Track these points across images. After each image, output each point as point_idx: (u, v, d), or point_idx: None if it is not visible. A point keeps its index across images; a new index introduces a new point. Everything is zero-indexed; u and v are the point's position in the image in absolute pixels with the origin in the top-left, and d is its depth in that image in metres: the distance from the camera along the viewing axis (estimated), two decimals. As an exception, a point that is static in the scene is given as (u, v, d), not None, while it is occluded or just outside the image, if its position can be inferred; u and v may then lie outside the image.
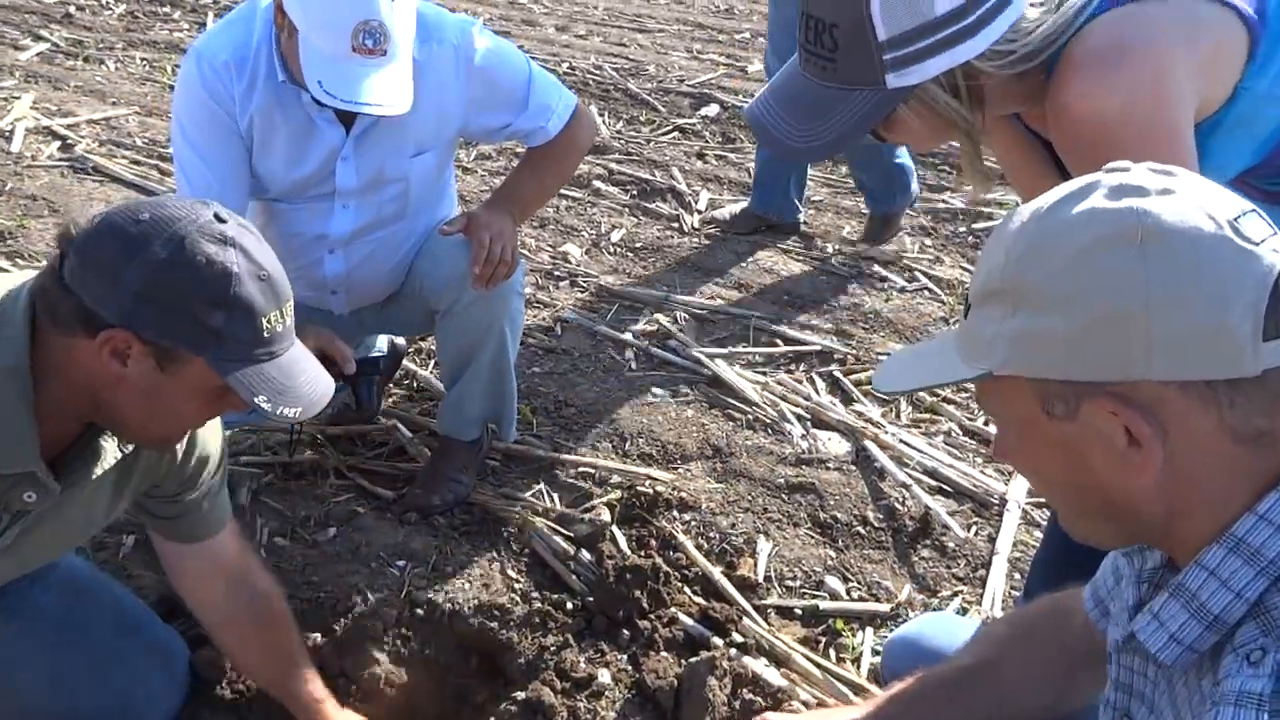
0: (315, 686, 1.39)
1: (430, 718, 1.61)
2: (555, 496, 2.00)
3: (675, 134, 4.10)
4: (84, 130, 3.72)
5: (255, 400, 1.01)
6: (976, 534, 1.98)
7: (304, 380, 1.07)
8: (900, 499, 2.07)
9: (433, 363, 2.40)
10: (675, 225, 3.32)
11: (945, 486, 2.12)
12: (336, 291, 1.80)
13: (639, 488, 2.01)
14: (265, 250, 1.05)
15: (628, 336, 2.59)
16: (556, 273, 2.93)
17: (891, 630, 1.73)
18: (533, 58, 5.47)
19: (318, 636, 1.58)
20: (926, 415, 2.39)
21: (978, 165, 1.03)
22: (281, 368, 1.04)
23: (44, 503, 1.08)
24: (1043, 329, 0.66)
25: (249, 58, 1.52)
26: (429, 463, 1.97)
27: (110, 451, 1.13)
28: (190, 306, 0.97)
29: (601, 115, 4.23)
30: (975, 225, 3.46)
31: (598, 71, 4.93)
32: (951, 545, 1.95)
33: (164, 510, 1.30)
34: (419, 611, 1.67)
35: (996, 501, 2.07)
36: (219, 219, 1.00)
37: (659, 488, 2.02)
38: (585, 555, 1.81)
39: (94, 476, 1.12)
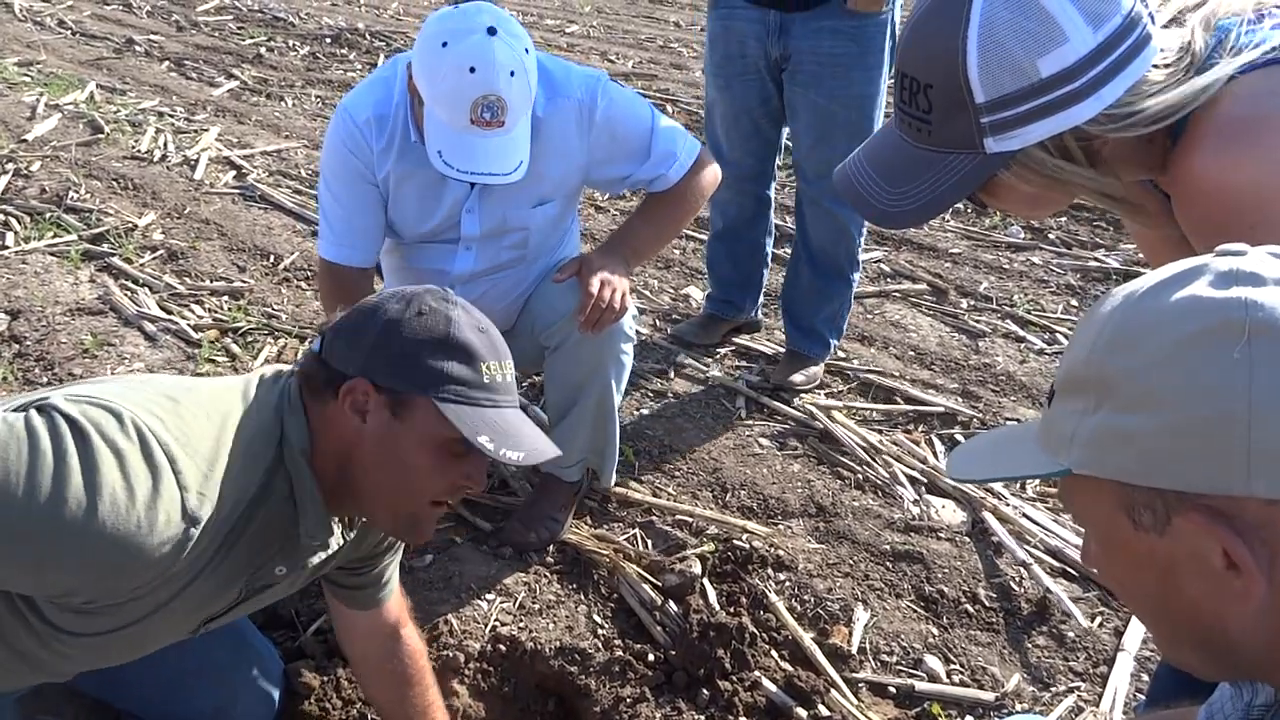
0: None
1: (503, 756, 1.61)
2: (649, 542, 1.98)
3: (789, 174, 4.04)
4: (257, 160, 4.05)
5: (478, 439, 1.03)
6: (1101, 625, 1.81)
7: (527, 432, 1.10)
8: (1016, 578, 1.93)
9: (542, 401, 2.44)
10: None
11: (1069, 569, 1.95)
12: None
13: (735, 541, 1.96)
14: (485, 318, 1.13)
15: (740, 385, 2.55)
16: (675, 315, 2.93)
17: (993, 723, 1.61)
18: (677, 101, 5.54)
19: None
20: (1053, 489, 2.22)
21: (1130, 206, 0.93)
22: (504, 416, 1.08)
23: (286, 575, 1.17)
24: (1127, 428, 0.59)
25: (389, 116, 1.62)
26: (528, 499, 2.00)
27: (337, 535, 1.21)
28: (416, 350, 1.05)
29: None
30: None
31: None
32: (1071, 635, 1.79)
33: (347, 581, 1.38)
34: (501, 647, 1.68)
35: (1127, 592, 1.89)
36: (444, 293, 1.12)
37: (755, 543, 1.96)
38: (672, 607, 1.78)
39: (320, 559, 1.21)
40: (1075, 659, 1.75)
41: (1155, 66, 0.82)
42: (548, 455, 1.12)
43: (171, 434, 0.99)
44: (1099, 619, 1.83)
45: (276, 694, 1.50)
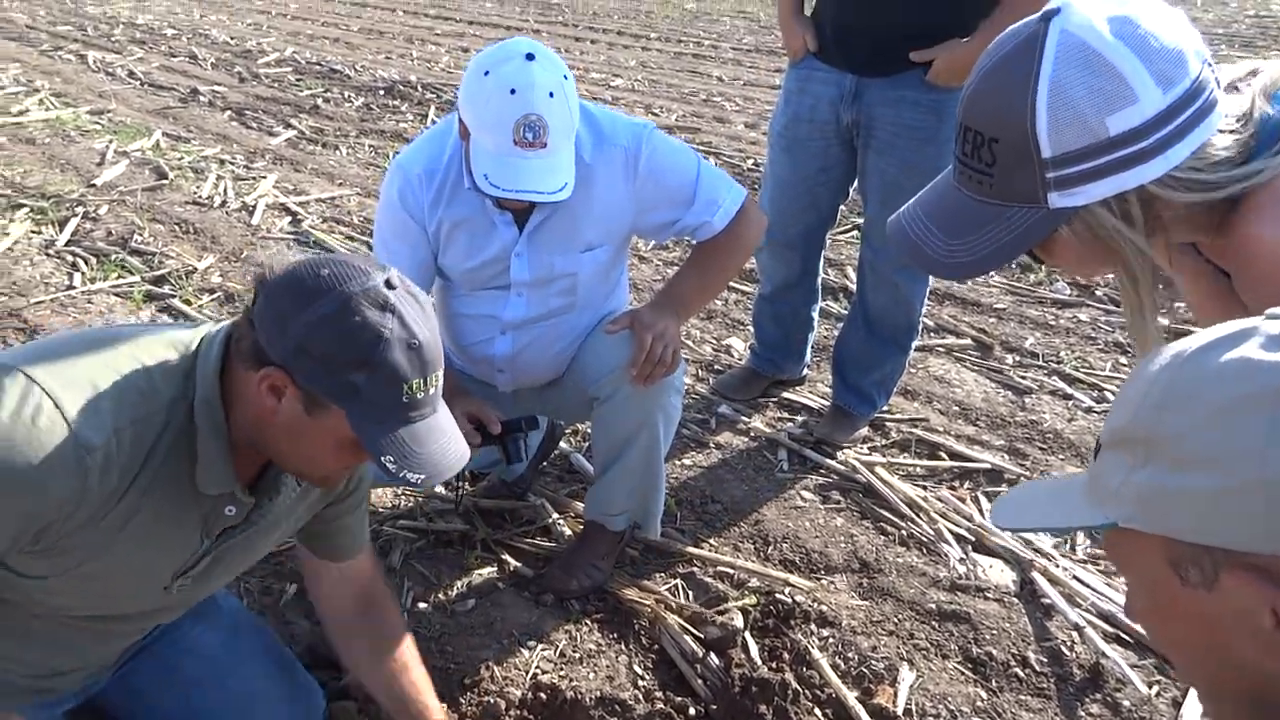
0: (426, 702, 1.42)
1: (541, 807, 1.59)
2: (690, 593, 1.97)
3: (854, 232, 4.06)
4: (312, 207, 4.17)
5: (381, 459, 1.07)
6: (1159, 695, 1.76)
7: (434, 448, 1.10)
8: (1068, 642, 1.88)
9: (587, 445, 2.45)
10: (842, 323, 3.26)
11: (1124, 635, 1.90)
12: (503, 370, 1.89)
13: (777, 594, 1.94)
14: (424, 319, 1.09)
15: (782, 436, 2.54)
16: (717, 366, 2.94)
17: (1045, 793, 1.56)
18: (719, 154, 5.61)
19: (444, 708, 1.61)
20: (1104, 551, 2.17)
21: (1139, 306, 0.94)
22: (415, 434, 1.09)
23: (240, 517, 1.20)
24: (1174, 487, 0.59)
25: (439, 170, 1.68)
26: (571, 546, 2.00)
27: (290, 483, 1.25)
28: (338, 363, 1.03)
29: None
30: (1179, 345, 3.17)
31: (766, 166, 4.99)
32: (1127, 704, 1.74)
33: (316, 528, 1.40)
34: (542, 695, 1.67)
35: (1184, 660, 1.83)
36: (388, 285, 1.06)
37: (798, 597, 1.94)
38: (714, 660, 1.76)
39: (277, 501, 1.24)
40: (1131, 729, 1.69)
41: (1221, 132, 0.83)
42: (452, 471, 1.13)
43: (56, 374, 1.03)
44: (1156, 688, 1.77)
45: None
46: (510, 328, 1.80)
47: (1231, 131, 0.83)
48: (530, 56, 1.48)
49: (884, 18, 2.08)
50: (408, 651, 1.45)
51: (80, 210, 3.90)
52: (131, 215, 3.91)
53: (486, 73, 1.48)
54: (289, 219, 4.01)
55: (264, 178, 4.51)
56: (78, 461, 1.01)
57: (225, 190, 4.31)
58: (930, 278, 2.41)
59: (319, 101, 6.19)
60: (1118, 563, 0.68)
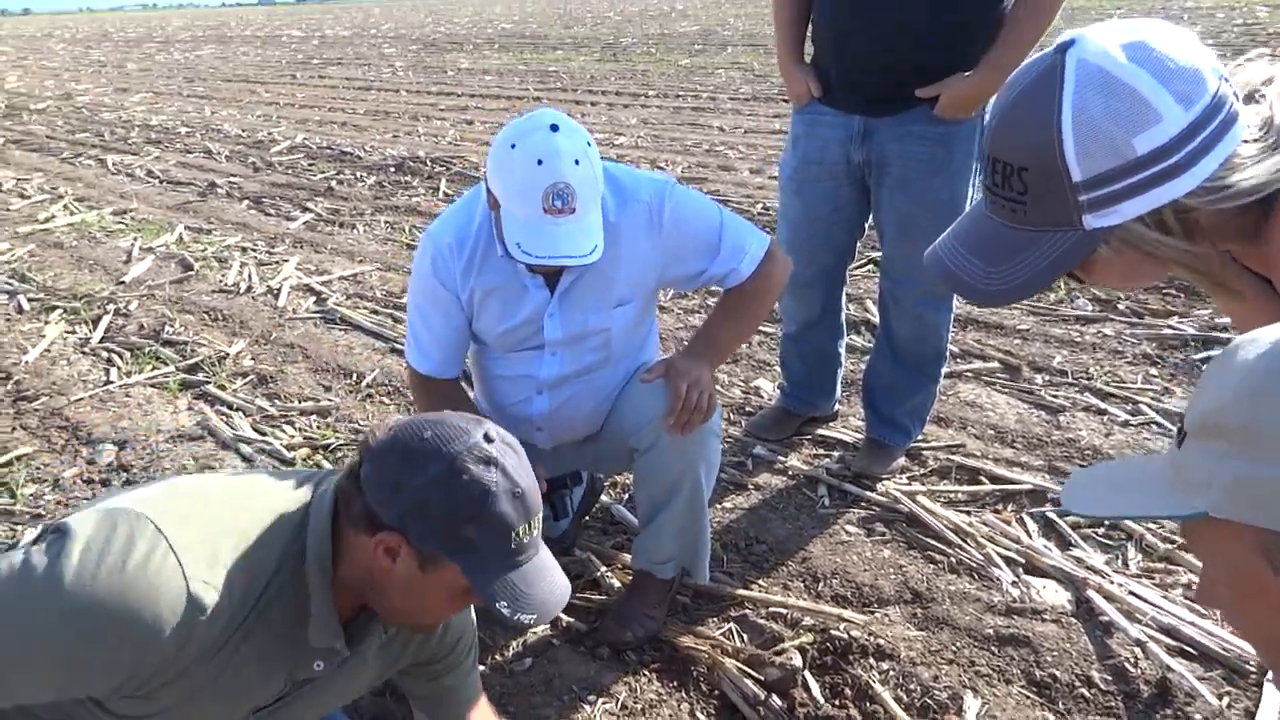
0: None
1: None
2: (745, 636, 1.96)
3: (870, 267, 4.10)
4: (335, 285, 4.26)
5: (497, 606, 1.13)
6: (1230, 706, 1.73)
7: (543, 587, 1.17)
8: (1131, 659, 1.85)
9: (626, 496, 2.47)
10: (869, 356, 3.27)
11: (1188, 648, 1.87)
12: (541, 429, 1.92)
13: (833, 631, 1.93)
14: (523, 466, 1.16)
15: (820, 473, 2.55)
16: (748, 407, 2.96)
17: (1128, 813, 1.53)
18: (728, 201, 5.70)
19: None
20: (1160, 565, 2.15)
21: (1221, 287, 0.96)
22: (525, 576, 1.15)
23: (327, 671, 1.24)
24: (1271, 477, 0.61)
25: (469, 238, 1.73)
26: (622, 598, 2.00)
27: (377, 631, 1.29)
28: (452, 521, 1.10)
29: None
30: (1210, 353, 3.17)
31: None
32: (1199, 717, 1.71)
33: (422, 690, 1.44)
34: (608, 750, 1.66)
35: (1254, 669, 1.81)
36: (487, 439, 1.13)
37: (854, 632, 1.93)
38: (776, 701, 1.75)
39: (364, 651, 1.28)
40: (1207, 742, 1.66)
41: (1245, 141, 0.86)
42: (559, 608, 1.19)
43: (177, 530, 1.07)
44: (1227, 699, 1.74)
45: None
46: (546, 386, 1.84)
47: (1256, 140, 0.86)
48: (554, 127, 1.54)
49: (888, 60, 2.14)
50: None
51: (111, 307, 4.01)
52: (161, 308, 4.01)
53: (513, 145, 1.54)
54: (314, 299, 4.10)
55: (286, 261, 4.62)
56: (189, 620, 1.05)
57: (250, 276, 4.41)
58: (953, 305, 2.43)
59: (332, 184, 6.36)
60: (1200, 552, 0.69)
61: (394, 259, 4.68)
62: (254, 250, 4.87)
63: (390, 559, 1.12)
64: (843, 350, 2.72)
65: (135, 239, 5.10)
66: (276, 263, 4.64)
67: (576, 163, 1.53)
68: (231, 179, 6.66)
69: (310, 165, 7.08)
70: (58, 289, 4.34)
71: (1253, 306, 1.05)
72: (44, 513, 2.49)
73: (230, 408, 3.08)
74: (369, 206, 5.77)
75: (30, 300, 4.17)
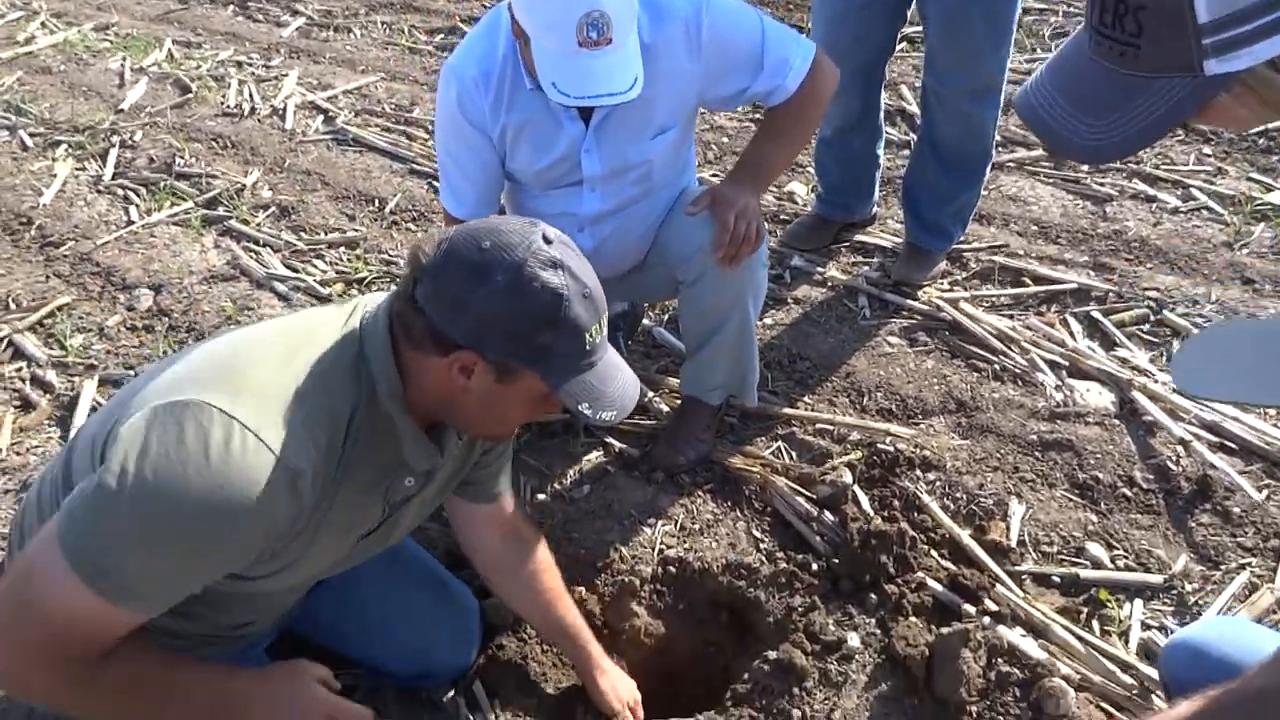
0: (579, 624, 1.55)
1: (686, 668, 1.72)
2: (794, 454, 2.02)
3: (904, 44, 3.83)
4: (341, 101, 4.07)
5: (579, 408, 1.12)
6: (1269, 499, 1.79)
7: (618, 383, 1.16)
8: (1173, 457, 1.91)
9: (666, 317, 2.47)
10: (907, 153, 3.14)
11: (1229, 444, 1.92)
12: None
13: (879, 445, 1.99)
14: (586, 267, 1.12)
15: (860, 282, 2.52)
16: (783, 215, 2.88)
17: (1165, 604, 1.63)
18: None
19: (583, 590, 1.73)
20: (1204, 359, 2.16)
21: None
22: (599, 374, 1.14)
23: (417, 486, 1.28)
24: None
25: (494, 71, 1.60)
26: (672, 422, 2.05)
27: (453, 439, 1.31)
28: (527, 329, 1.06)
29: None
30: (1268, 128, 3.00)
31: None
32: (1238, 511, 1.78)
33: (472, 476, 1.48)
34: (671, 569, 1.77)
35: (1293, 461, 1.85)
36: (546, 240, 1.09)
37: (900, 445, 1.98)
38: (828, 516, 1.83)
39: (444, 462, 1.31)
40: (1244, 534, 1.74)
41: None
42: (634, 403, 1.19)
43: (247, 405, 1.05)
44: (1266, 491, 1.80)
45: (477, 631, 1.62)
46: (588, 223, 1.78)
47: None
48: None
49: None
50: (555, 580, 1.54)
51: (116, 139, 3.87)
52: (167, 137, 3.87)
53: None
54: (322, 118, 3.93)
55: (285, 76, 4.39)
56: (291, 487, 1.06)
57: (251, 95, 4.21)
58: (1001, 98, 2.29)
59: (320, -21, 5.90)
60: None
61: (398, 66, 4.43)
62: (250, 65, 4.61)
63: (465, 376, 1.10)
64: (880, 151, 2.61)
65: (124, 59, 4.83)
66: (275, 78, 4.41)
67: None
68: (210, -19, 6.19)
69: (292, -41, 6.54)
70: (57, 121, 4.17)
71: None
72: (96, 363, 2.54)
73: (257, 243, 3.05)
74: (362, 5, 5.38)
75: (32, 135, 4.03)
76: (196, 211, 3.26)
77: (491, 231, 1.08)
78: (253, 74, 4.49)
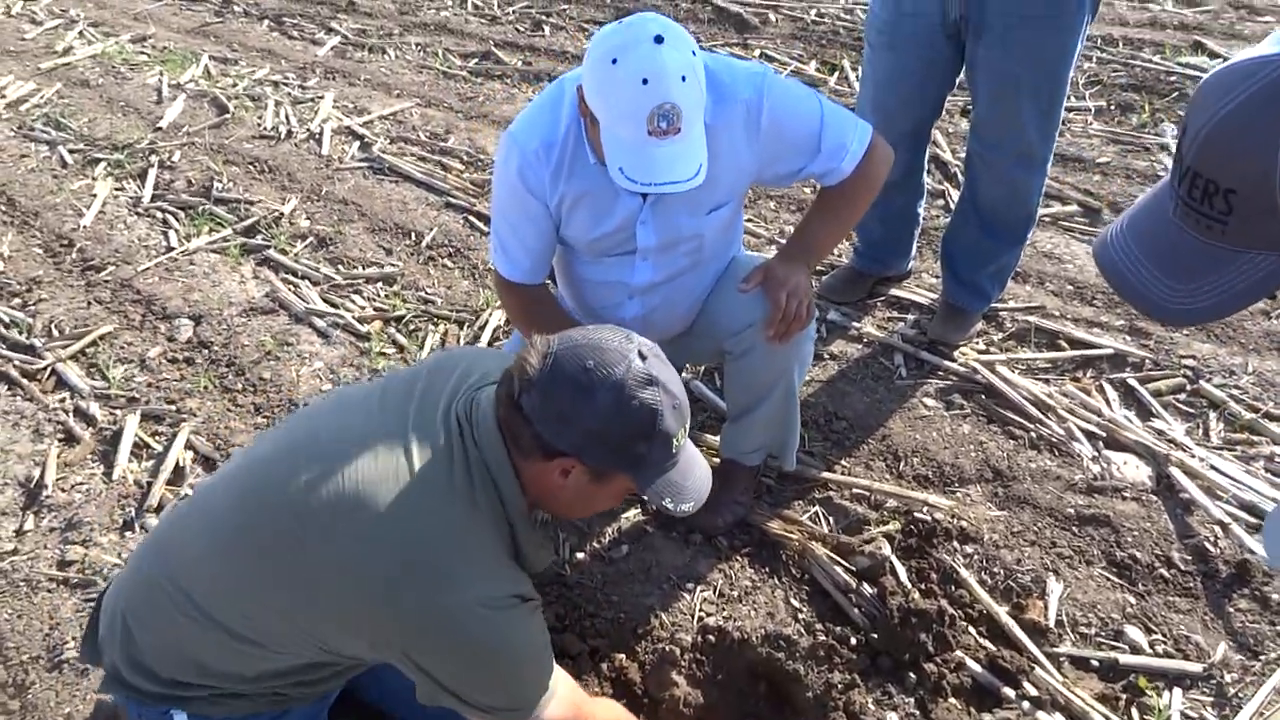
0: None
1: (724, 738, 1.74)
2: (831, 520, 2.04)
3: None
4: (377, 128, 4.11)
5: (663, 503, 1.26)
6: (1307, 587, 1.80)
7: (695, 477, 1.30)
8: (1212, 537, 1.91)
9: (701, 369, 2.49)
10: (941, 203, 3.15)
11: (1267, 526, 1.92)
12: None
13: (916, 514, 2.00)
14: (674, 376, 1.24)
15: (896, 340, 2.53)
16: (819, 268, 2.89)
17: (1205, 693, 1.64)
18: (778, 5, 5.23)
19: (623, 658, 1.75)
20: (1242, 435, 2.17)
21: None
22: (681, 470, 1.27)
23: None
24: None
25: (557, 143, 1.63)
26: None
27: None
28: (626, 441, 1.19)
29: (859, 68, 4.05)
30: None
31: (848, 16, 4.70)
32: (1276, 598, 1.78)
33: None
34: (710, 638, 1.79)
35: (1332, 548, 1.86)
36: (642, 356, 1.21)
37: (938, 515, 2.00)
38: (867, 589, 1.85)
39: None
40: (1283, 624, 1.75)
41: None
42: (708, 492, 1.33)
43: (476, 585, 1.20)
44: (1304, 580, 1.81)
45: None
46: (638, 292, 1.80)
47: None
48: (659, 39, 1.40)
49: None
50: None
51: (155, 159, 3.92)
52: (205, 159, 3.91)
53: (615, 60, 1.42)
54: (358, 144, 3.96)
55: (321, 98, 4.43)
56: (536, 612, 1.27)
57: (287, 117, 4.25)
58: (1047, 167, 2.30)
59: (354, -3, 5.96)
60: None
61: (432, 92, 4.46)
62: (286, 85, 4.66)
63: (564, 477, 1.23)
64: (921, 210, 2.62)
65: (161, 73, 4.89)
66: (312, 100, 4.45)
67: (683, 79, 1.41)
68: (246, -7, 6.25)
69: (326, -27, 6.60)
70: (95, 138, 4.22)
71: None
72: (138, 395, 2.58)
73: (296, 275, 3.08)
74: (396, 25, 5.43)
75: (72, 152, 4.08)
76: (235, 239, 3.30)
77: (594, 349, 1.19)
78: (289, 95, 4.53)
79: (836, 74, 4.12)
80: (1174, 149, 0.89)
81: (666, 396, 1.20)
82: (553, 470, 1.21)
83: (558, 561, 1.89)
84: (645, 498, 1.28)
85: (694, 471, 1.29)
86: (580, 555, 2.00)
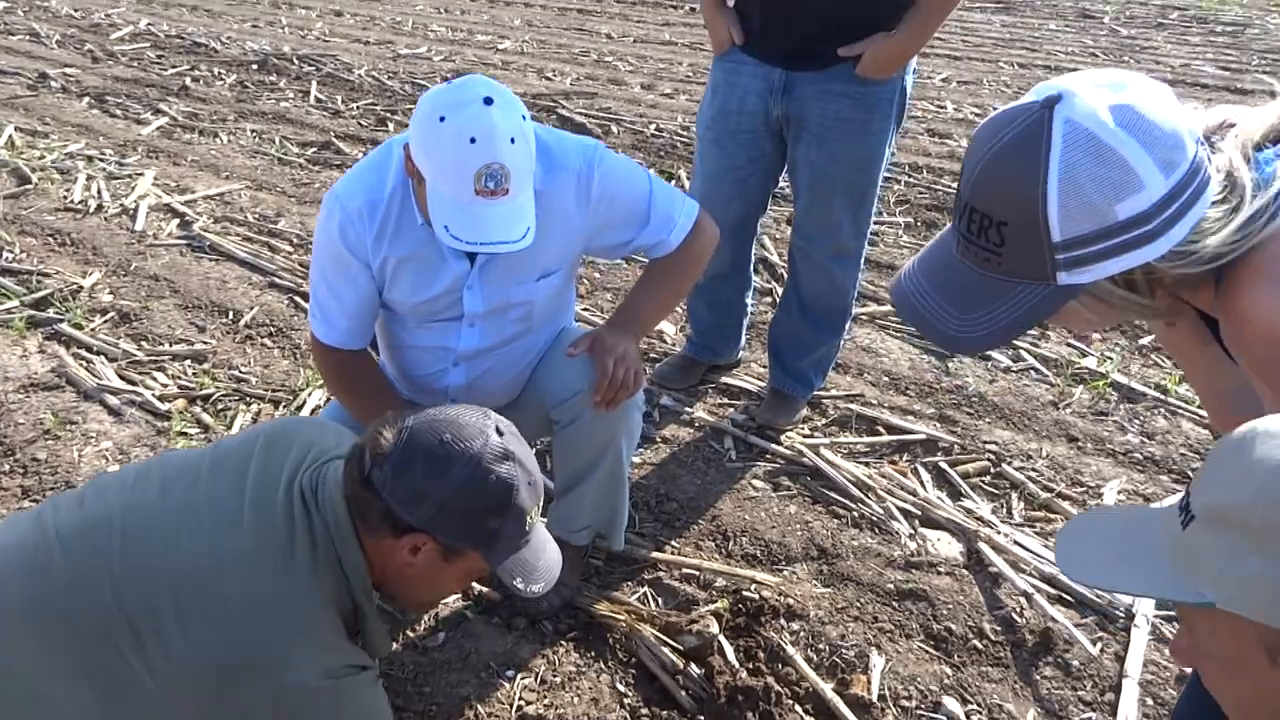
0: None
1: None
2: (660, 600, 1.99)
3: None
4: (200, 206, 3.91)
5: (513, 583, 1.24)
6: (1103, 651, 1.89)
7: (546, 556, 1.29)
8: (1018, 609, 1.99)
9: (533, 451, 2.42)
10: (769, 299, 3.30)
11: (1066, 595, 2.03)
12: (455, 400, 1.83)
13: (745, 592, 1.98)
14: (529, 453, 1.24)
15: (726, 424, 2.57)
16: (652, 354, 2.93)
17: (1017, 763, 1.66)
18: (620, 120, 5.51)
19: None
20: (1040, 513, 2.31)
21: (1162, 321, 1.01)
22: (533, 549, 1.26)
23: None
24: None
25: (382, 202, 1.58)
26: (536, 564, 1.98)
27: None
28: (480, 516, 1.17)
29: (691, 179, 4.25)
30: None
31: (684, 132, 4.97)
32: (1076, 664, 1.86)
33: None
34: (530, 728, 1.66)
35: (1121, 614, 1.97)
36: (499, 432, 1.20)
37: (765, 592, 1.98)
38: (694, 669, 1.79)
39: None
40: (1083, 687, 1.82)
41: (1212, 203, 0.86)
42: (559, 571, 1.32)
43: (319, 659, 1.15)
44: (1099, 644, 1.90)
45: None
46: (464, 358, 1.75)
47: (1221, 202, 0.86)
48: (489, 100, 1.40)
49: (810, 11, 2.07)
50: None
51: (-65, 227, 3.55)
52: (-4, 229, 3.58)
53: (442, 118, 1.40)
54: (177, 222, 3.75)
55: (141, 175, 4.20)
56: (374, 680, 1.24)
57: (99, 192, 3.99)
58: (861, 262, 2.45)
59: (187, 81, 5.78)
60: (1197, 632, 0.71)
61: (265, 176, 4.32)
62: (102, 160, 4.39)
63: (413, 555, 1.19)
64: (749, 301, 2.72)
65: (-44, 142, 4.50)
66: (130, 176, 4.20)
67: (512, 141, 1.41)
68: (66, 70, 5.95)
69: (159, 58, 6.40)
70: None
71: (1183, 332, 1.09)
72: (-123, 478, 2.22)
73: (90, 350, 2.81)
74: (231, 111, 5.28)
75: None
76: (22, 312, 3.00)
77: (450, 424, 1.18)
78: (104, 170, 4.27)
79: (673, 182, 4.31)
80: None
81: (523, 472, 1.19)
82: (403, 548, 1.18)
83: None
84: (498, 576, 1.25)
85: (546, 552, 1.29)
86: (393, 646, 1.83)
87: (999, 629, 1.95)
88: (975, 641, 1.92)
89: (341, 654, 1.18)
